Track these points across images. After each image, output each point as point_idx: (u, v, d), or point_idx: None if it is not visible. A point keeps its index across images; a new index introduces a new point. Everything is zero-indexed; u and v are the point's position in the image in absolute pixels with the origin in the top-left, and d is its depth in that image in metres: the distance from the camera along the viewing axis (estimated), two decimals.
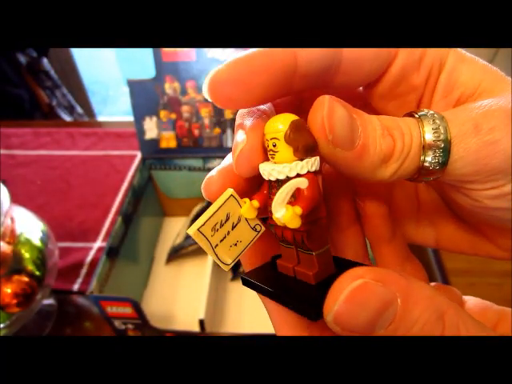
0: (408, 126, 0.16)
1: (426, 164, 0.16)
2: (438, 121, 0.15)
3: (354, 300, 0.13)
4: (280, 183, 0.16)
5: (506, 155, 0.15)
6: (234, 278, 0.64)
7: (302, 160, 0.16)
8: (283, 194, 0.15)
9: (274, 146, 0.16)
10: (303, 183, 0.15)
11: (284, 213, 0.15)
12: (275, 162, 0.16)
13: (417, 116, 0.16)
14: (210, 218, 0.16)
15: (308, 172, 0.16)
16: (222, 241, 0.17)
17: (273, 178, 0.16)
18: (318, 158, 0.16)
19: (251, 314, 0.59)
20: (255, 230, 0.18)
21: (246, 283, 0.18)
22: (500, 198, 0.16)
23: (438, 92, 0.18)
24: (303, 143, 0.15)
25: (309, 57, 0.16)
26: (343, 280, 0.14)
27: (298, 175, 0.16)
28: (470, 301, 0.22)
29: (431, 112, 0.16)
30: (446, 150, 0.15)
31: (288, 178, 0.16)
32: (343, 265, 0.17)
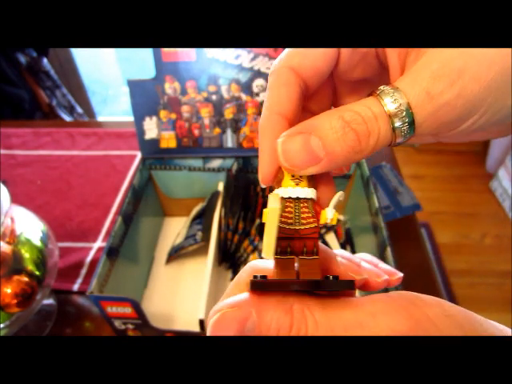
0: (368, 108, 0.18)
1: (397, 127, 0.18)
2: (394, 93, 0.18)
3: (218, 329, 0.17)
4: (297, 201, 0.21)
5: (456, 108, 0.18)
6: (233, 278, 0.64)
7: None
8: (335, 201, 0.20)
9: (301, 176, 0.20)
10: (342, 195, 0.21)
11: (333, 215, 0.20)
12: (299, 187, 0.20)
13: (376, 93, 0.18)
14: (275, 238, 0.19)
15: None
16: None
17: (294, 196, 0.20)
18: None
19: None
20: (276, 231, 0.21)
21: (264, 286, 0.18)
22: (459, 135, 0.19)
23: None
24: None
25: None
26: (209, 316, 0.18)
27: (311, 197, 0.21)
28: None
29: (387, 87, 0.18)
30: (409, 114, 0.18)
31: (302, 198, 0.21)
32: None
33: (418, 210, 0.72)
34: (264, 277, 0.18)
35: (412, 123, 0.18)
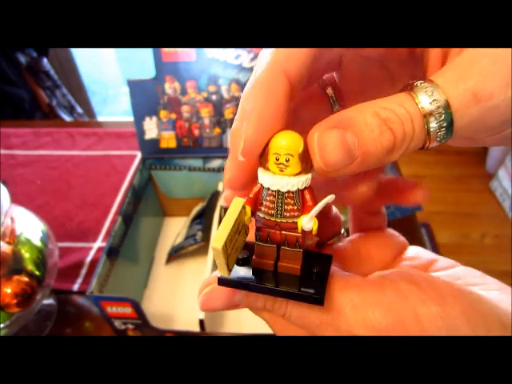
0: (401, 105, 0.16)
1: (432, 130, 0.16)
2: (432, 90, 0.16)
3: (209, 299, 0.20)
4: (281, 193, 0.17)
5: (507, 113, 0.15)
6: None
7: (302, 174, 0.17)
8: (317, 209, 0.17)
9: (287, 160, 0.17)
10: (332, 198, 0.17)
11: (312, 224, 0.17)
12: (284, 175, 0.17)
13: (410, 89, 0.16)
14: (231, 229, 0.17)
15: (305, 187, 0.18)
16: (231, 250, 0.18)
17: (274, 188, 0.17)
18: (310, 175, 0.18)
19: (251, 314, 0.59)
20: (246, 234, 0.19)
21: (228, 284, 0.19)
22: (499, 140, 0.17)
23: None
24: (310, 162, 0.17)
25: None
26: (202, 286, 0.21)
27: (298, 188, 0.17)
28: (410, 249, 0.25)
29: (424, 83, 0.16)
30: (448, 116, 0.15)
31: (290, 190, 0.17)
32: (311, 256, 0.20)
33: (418, 210, 0.72)
34: (247, 258, 0.19)
35: (450, 126, 0.16)
